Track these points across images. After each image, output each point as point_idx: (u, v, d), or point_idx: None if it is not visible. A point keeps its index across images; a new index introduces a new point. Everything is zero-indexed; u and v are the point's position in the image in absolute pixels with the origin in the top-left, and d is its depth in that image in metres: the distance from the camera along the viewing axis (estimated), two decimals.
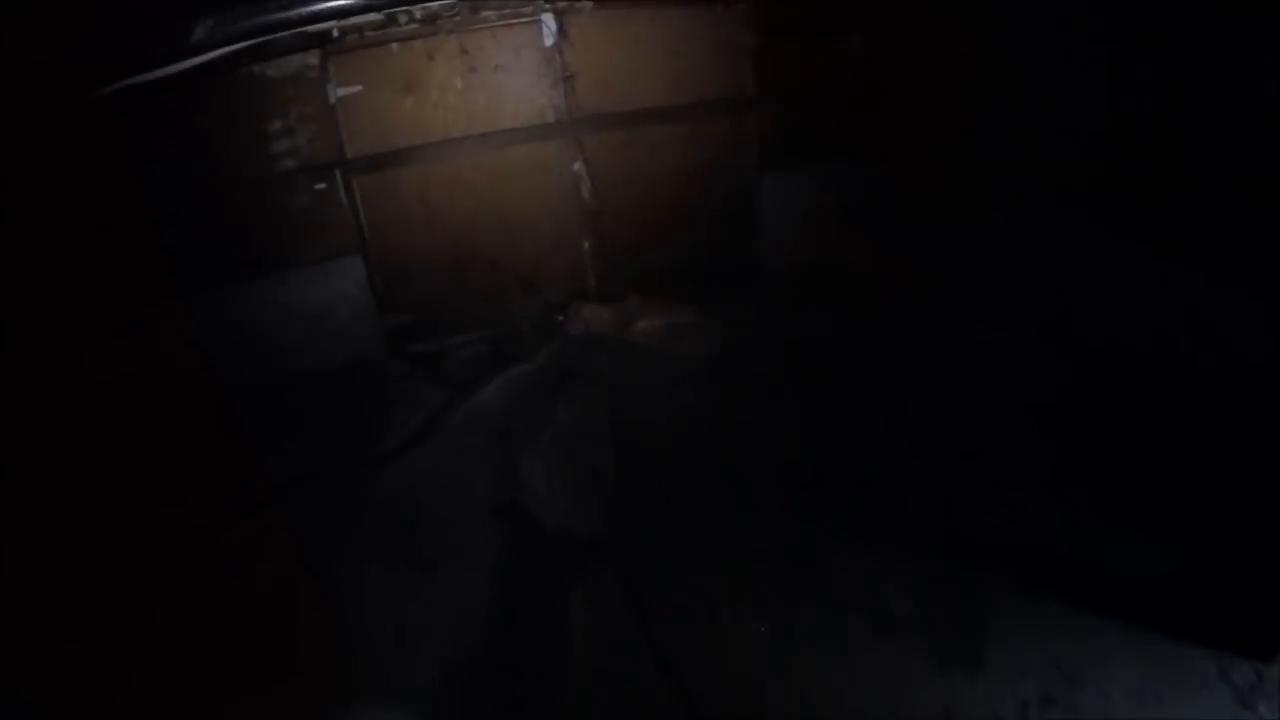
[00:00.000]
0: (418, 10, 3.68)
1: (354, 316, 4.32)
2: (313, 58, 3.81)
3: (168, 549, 3.12)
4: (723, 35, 4.17)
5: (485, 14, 3.91)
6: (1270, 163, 2.55)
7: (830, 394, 3.65)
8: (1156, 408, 3.05)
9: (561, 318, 4.44)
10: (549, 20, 3.96)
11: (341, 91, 3.90)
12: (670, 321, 4.27)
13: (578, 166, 4.24)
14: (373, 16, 3.63)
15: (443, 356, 4.40)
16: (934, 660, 2.42)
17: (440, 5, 3.78)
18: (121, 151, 3.58)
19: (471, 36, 3.94)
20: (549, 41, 4.01)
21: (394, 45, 3.87)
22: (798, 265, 4.51)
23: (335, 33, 3.76)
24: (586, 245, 4.43)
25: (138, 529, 3.21)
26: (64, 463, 3.39)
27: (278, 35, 3.56)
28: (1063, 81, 3.29)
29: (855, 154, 4.33)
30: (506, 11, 3.92)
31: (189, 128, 3.75)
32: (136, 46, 2.92)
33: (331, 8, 3.35)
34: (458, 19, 3.86)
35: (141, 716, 2.52)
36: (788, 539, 2.90)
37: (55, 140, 3.25)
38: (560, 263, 4.45)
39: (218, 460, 3.64)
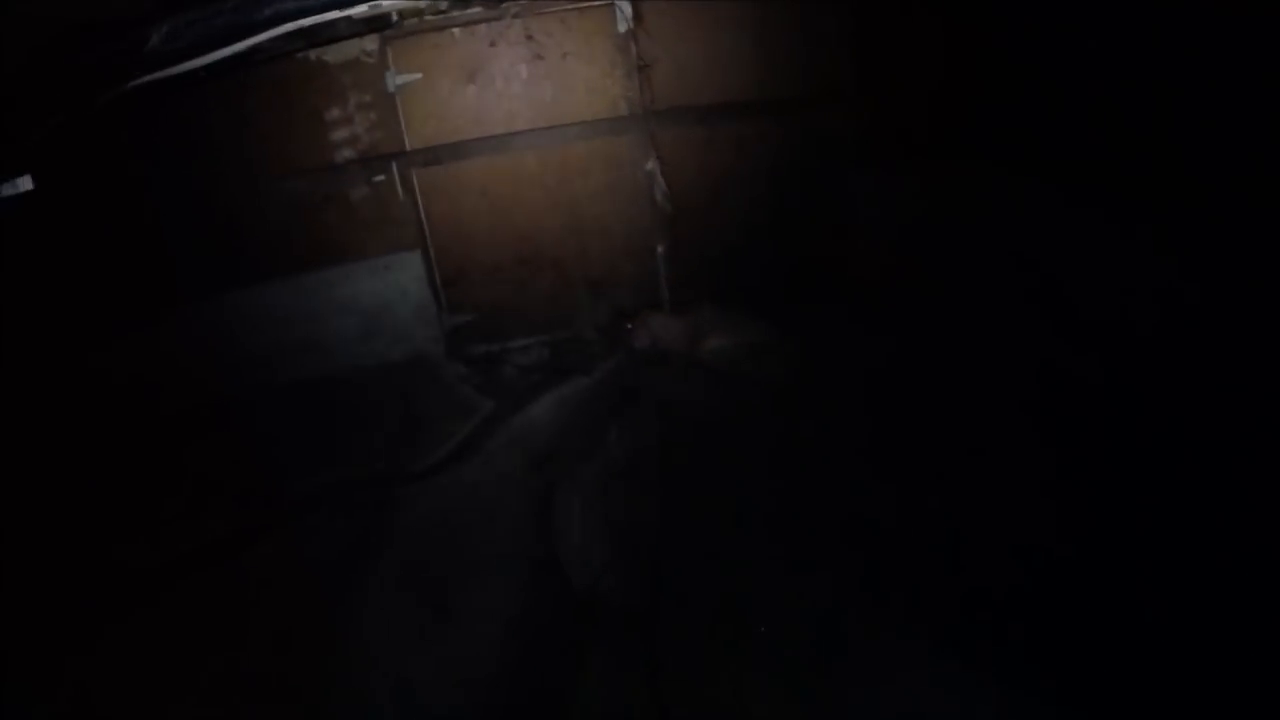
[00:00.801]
0: None
1: (413, 314, 4.12)
2: (371, 43, 3.57)
3: (188, 560, 3.00)
4: (817, 21, 3.68)
5: None
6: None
7: (912, 439, 3.17)
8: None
9: (630, 326, 4.11)
10: (623, 4, 3.57)
11: (401, 79, 3.65)
12: (745, 340, 3.87)
13: (651, 164, 3.86)
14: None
15: (502, 360, 4.16)
16: None
17: None
18: (166, 137, 3.47)
19: (538, 21, 3.60)
20: (623, 27, 3.62)
21: (455, 31, 3.58)
22: (891, 276, 3.96)
23: (394, 16, 3.49)
24: (660, 249, 4.06)
25: (162, 536, 3.11)
26: (98, 462, 3.34)
27: (332, 18, 3.33)
28: None
29: (963, 154, 3.75)
30: None
31: (242, 114, 3.59)
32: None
33: None
34: (524, 2, 3.52)
35: None
36: (845, 625, 2.46)
37: (86, 132, 3.12)
38: (631, 267, 4.11)
39: (259, 460, 3.55)
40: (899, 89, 3.79)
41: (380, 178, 3.82)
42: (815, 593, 2.58)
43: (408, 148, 3.79)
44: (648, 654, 2.46)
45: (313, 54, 3.53)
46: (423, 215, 3.92)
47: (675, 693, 2.33)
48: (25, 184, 3.09)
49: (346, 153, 3.75)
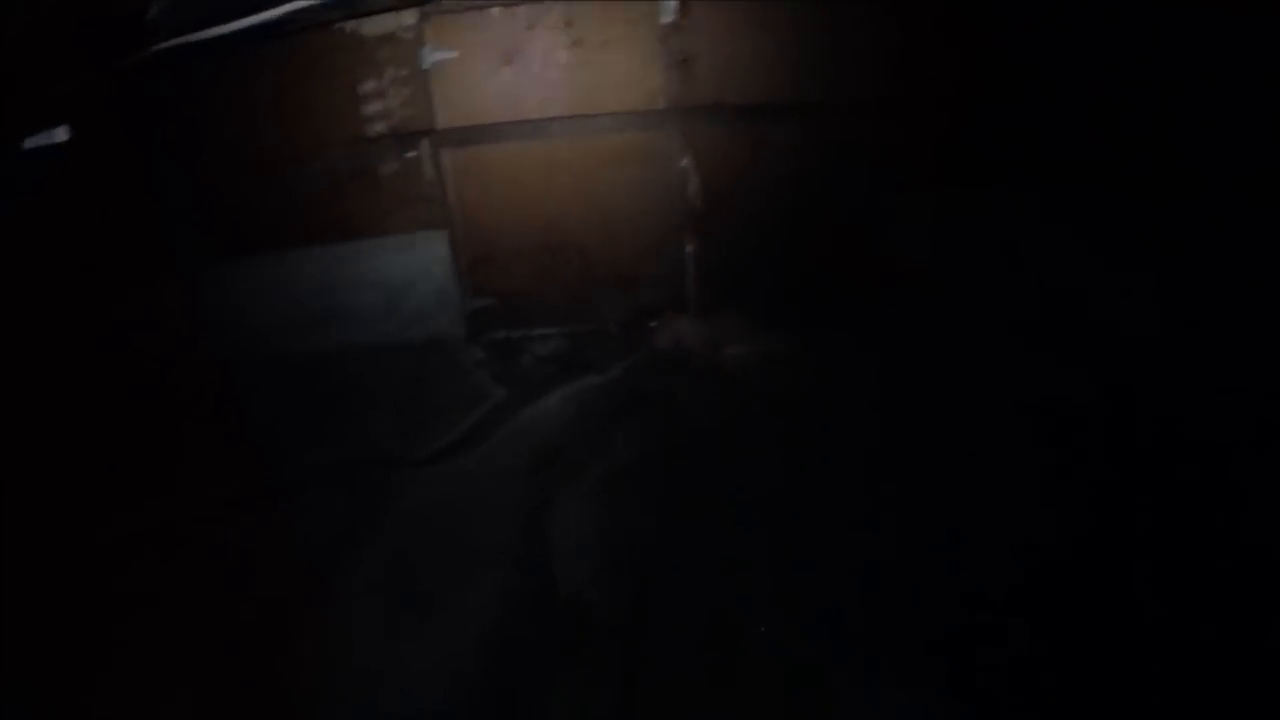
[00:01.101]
0: None
1: (434, 295, 4.07)
2: (409, 17, 3.50)
3: (178, 533, 2.98)
4: (871, 26, 3.50)
5: None
6: None
7: (913, 441, 3.11)
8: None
9: (653, 324, 4.02)
10: None
11: (437, 56, 3.57)
12: (768, 350, 3.75)
13: (686, 162, 3.74)
14: None
15: (520, 348, 4.09)
16: None
17: None
18: (195, 101, 3.45)
19: (579, 6, 3.49)
20: (667, 18, 3.49)
21: (494, 11, 3.48)
22: (929, 302, 3.78)
23: None
24: (689, 250, 3.94)
25: (157, 507, 3.09)
26: (106, 428, 3.34)
27: None
28: None
29: (1012, 179, 3.60)
30: None
31: (276, 81, 3.56)
32: None
33: None
34: None
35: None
36: (844, 625, 2.40)
37: (110, 92, 3.10)
38: (658, 265, 3.99)
39: (268, 430, 3.53)
40: (941, 100, 3.63)
41: (411, 154, 3.76)
42: (815, 593, 2.52)
43: (440, 126, 3.71)
44: (628, 667, 2.39)
45: (349, 25, 3.48)
46: (450, 195, 3.86)
47: (653, 708, 2.26)
48: (60, 135, 3.11)
49: (378, 127, 3.69)
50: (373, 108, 3.64)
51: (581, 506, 3.03)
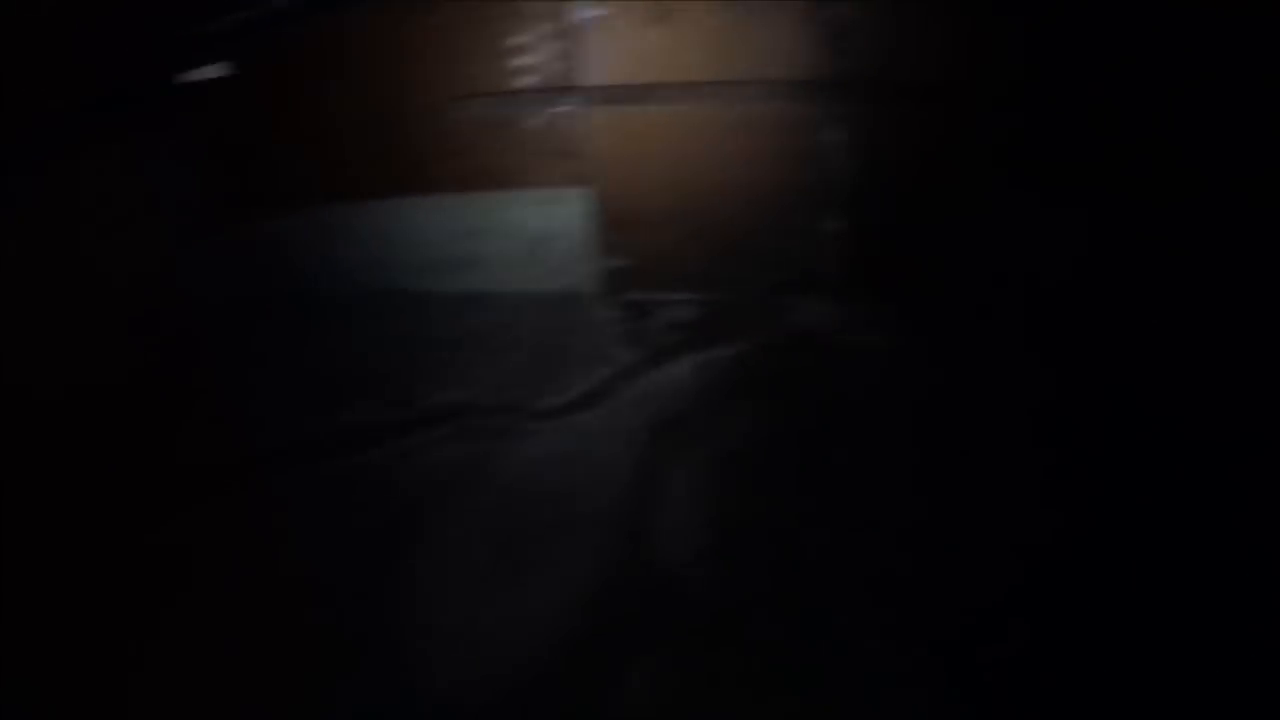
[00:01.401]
0: None
1: (572, 250, 4.13)
2: None
3: (275, 459, 3.16)
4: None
5: None
6: None
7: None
8: None
9: (790, 299, 3.90)
10: None
11: (588, 13, 3.55)
12: (906, 342, 3.57)
13: (833, 136, 3.56)
14: None
15: (651, 312, 4.07)
16: None
17: None
18: (347, 46, 3.59)
19: None
20: None
21: None
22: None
23: None
24: (831, 228, 3.79)
25: (258, 437, 3.29)
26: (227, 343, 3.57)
27: None
28: None
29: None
30: None
31: (428, 30, 3.66)
32: None
33: None
34: None
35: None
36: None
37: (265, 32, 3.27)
38: (798, 240, 3.87)
39: (396, 364, 3.71)
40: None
41: (556, 110, 3.78)
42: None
43: (586, 84, 3.70)
44: (710, 661, 2.31)
45: None
46: (593, 153, 3.86)
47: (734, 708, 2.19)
48: (211, 72, 3.31)
49: (526, 81, 3.74)
50: (522, 61, 3.67)
51: (695, 483, 2.99)
